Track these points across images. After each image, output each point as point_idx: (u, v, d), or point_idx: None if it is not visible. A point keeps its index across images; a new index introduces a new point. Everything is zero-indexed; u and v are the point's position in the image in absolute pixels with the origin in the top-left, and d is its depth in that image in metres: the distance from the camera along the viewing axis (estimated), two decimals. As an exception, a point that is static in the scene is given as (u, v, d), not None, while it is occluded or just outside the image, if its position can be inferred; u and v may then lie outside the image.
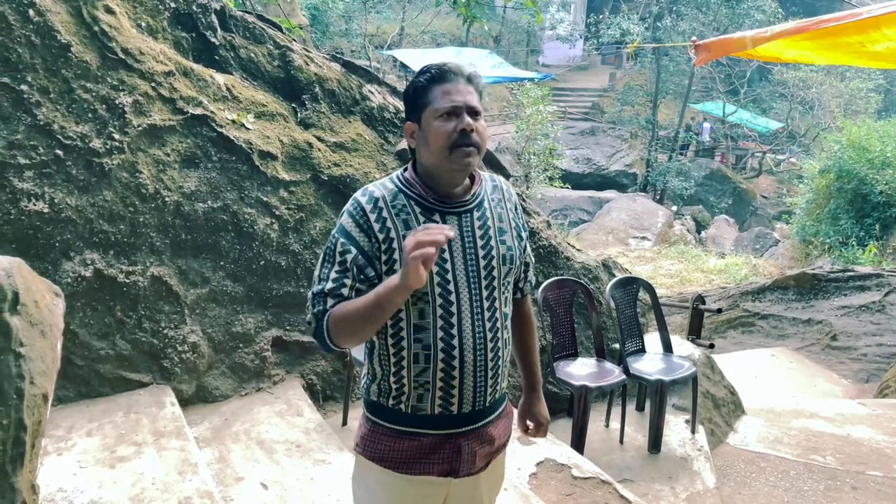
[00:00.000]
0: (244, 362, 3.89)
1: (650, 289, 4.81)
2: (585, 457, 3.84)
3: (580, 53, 32.92)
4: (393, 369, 1.84)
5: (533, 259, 2.12)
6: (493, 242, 1.85)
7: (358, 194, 1.82)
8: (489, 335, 1.83)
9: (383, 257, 1.75)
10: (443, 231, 1.55)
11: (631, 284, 4.77)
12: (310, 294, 1.80)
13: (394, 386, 1.84)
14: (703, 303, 5.82)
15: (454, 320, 1.78)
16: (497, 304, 1.86)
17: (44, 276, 2.92)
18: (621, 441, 4.35)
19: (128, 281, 3.54)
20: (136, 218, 3.59)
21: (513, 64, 23.38)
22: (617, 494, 3.44)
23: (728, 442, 4.64)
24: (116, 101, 3.58)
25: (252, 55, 4.33)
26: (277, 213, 4.01)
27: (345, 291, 1.75)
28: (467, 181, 1.87)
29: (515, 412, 2.18)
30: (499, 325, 1.86)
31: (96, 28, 3.58)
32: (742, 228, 21.27)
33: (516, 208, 2.00)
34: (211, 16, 4.19)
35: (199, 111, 3.83)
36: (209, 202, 3.79)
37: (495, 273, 1.85)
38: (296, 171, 4.14)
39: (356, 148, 4.43)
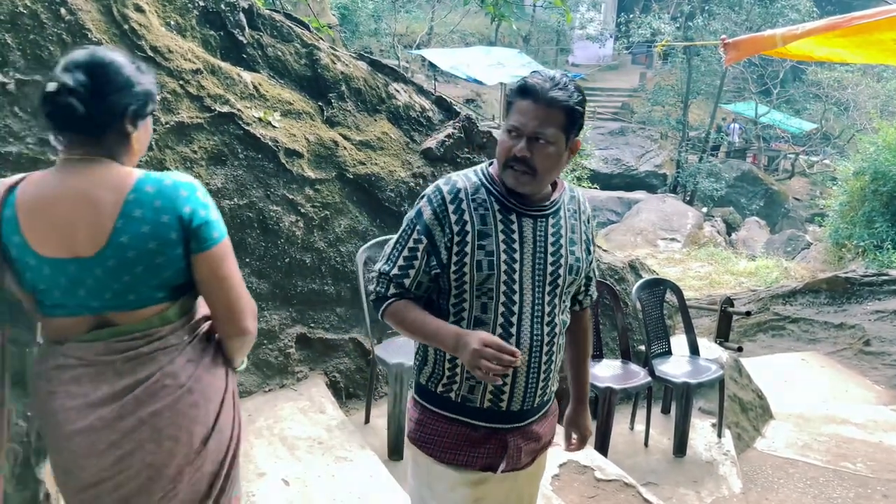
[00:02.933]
0: (268, 359, 3.91)
1: (677, 290, 4.76)
2: (609, 459, 3.81)
3: (610, 53, 32.67)
4: (449, 356, 1.86)
5: (597, 274, 2.13)
6: (563, 251, 1.88)
7: (441, 182, 1.87)
8: (546, 339, 1.86)
9: (455, 248, 1.80)
10: (514, 361, 1.65)
11: (658, 286, 4.72)
12: (378, 266, 1.91)
13: (447, 373, 1.87)
14: (732, 305, 5.74)
15: (514, 319, 1.82)
16: (557, 310, 1.89)
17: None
18: (646, 444, 4.30)
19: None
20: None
21: (542, 63, 23.32)
22: (641, 498, 3.40)
23: (755, 447, 4.57)
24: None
25: (279, 53, 4.35)
26: (303, 210, 4.02)
27: (407, 282, 1.85)
28: (549, 187, 1.90)
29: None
30: (556, 330, 1.89)
31: (126, 26, 3.62)
32: (773, 231, 20.96)
33: (589, 221, 2.02)
34: (239, 14, 4.21)
35: (226, 109, 3.86)
36: (235, 199, 3.82)
37: (560, 281, 1.88)
38: (321, 170, 4.15)
39: (382, 147, 4.44)
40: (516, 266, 1.81)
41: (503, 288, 1.80)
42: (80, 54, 1.66)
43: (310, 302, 4.08)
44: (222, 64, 4.03)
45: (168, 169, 3.63)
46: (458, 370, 1.85)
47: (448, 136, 4.61)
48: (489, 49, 22.50)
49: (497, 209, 1.82)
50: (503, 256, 1.80)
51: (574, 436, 2.19)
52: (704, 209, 22.23)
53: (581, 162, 17.20)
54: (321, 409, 3.77)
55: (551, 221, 1.87)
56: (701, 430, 4.42)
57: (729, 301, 5.75)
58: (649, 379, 4.19)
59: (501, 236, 1.81)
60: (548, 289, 1.85)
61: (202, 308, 1.79)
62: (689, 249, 16.48)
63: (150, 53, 3.66)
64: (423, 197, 1.86)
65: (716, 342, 5.39)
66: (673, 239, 17.36)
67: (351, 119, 4.41)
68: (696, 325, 4.82)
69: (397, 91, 4.69)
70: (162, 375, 1.64)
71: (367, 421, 4.04)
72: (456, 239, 1.79)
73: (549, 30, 31.82)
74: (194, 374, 1.68)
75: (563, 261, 1.87)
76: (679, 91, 26.77)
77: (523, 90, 1.75)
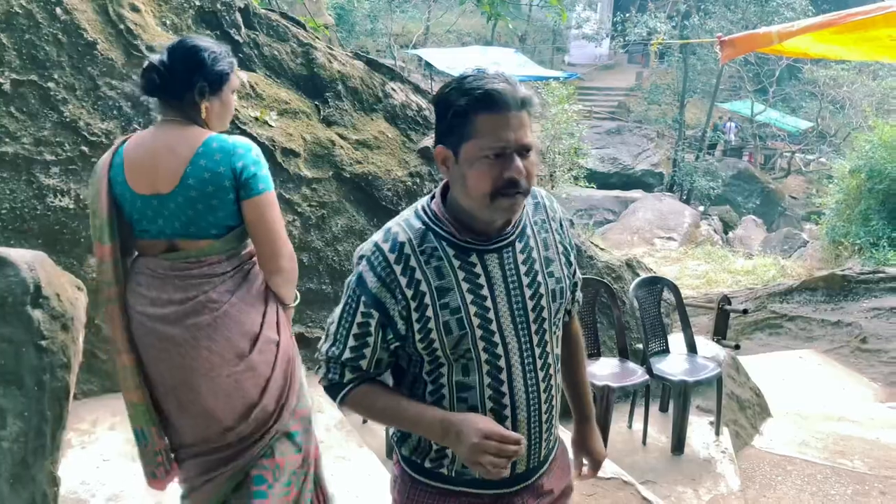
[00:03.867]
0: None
1: (674, 288, 4.76)
2: (607, 457, 3.80)
3: (606, 52, 32.71)
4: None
5: (581, 277, 1.85)
6: (540, 277, 1.60)
7: (378, 238, 1.55)
8: (542, 385, 1.61)
9: (414, 315, 1.51)
10: (519, 451, 1.43)
11: (655, 284, 4.72)
12: (323, 349, 1.60)
13: (434, 447, 1.61)
14: (729, 303, 5.75)
15: (503, 375, 1.55)
16: (549, 347, 1.63)
17: (69, 271, 2.96)
18: (644, 442, 4.31)
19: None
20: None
21: (538, 63, 23.28)
22: (639, 496, 3.40)
23: (753, 444, 4.57)
24: (141, 98, 3.60)
25: (275, 53, 4.35)
26: (300, 209, 4.02)
27: (364, 364, 1.56)
28: None
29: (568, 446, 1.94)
30: (551, 371, 1.65)
31: (122, 26, 3.62)
32: (770, 229, 20.98)
33: (562, 226, 1.72)
34: (235, 14, 4.21)
35: (222, 108, 3.85)
36: (232, 199, 3.81)
37: (545, 314, 1.60)
38: (318, 169, 4.15)
39: (378, 146, 4.44)
40: (491, 315, 1.53)
41: (482, 345, 1.53)
42: (173, 41, 2.13)
43: (307, 301, 4.07)
44: (218, 63, 4.03)
45: (165, 169, 3.63)
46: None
47: (445, 134, 4.61)
48: (485, 49, 22.50)
49: (452, 255, 1.51)
50: (473, 309, 1.51)
51: (585, 461, 1.95)
52: (701, 208, 22.26)
53: (578, 161, 17.19)
54: (319, 408, 3.75)
55: (518, 247, 1.58)
56: (699, 428, 4.42)
57: (726, 299, 5.76)
58: (647, 377, 4.19)
59: (465, 286, 1.51)
60: (534, 328, 1.58)
61: (249, 251, 2.15)
62: (686, 248, 16.50)
63: (147, 52, 3.66)
64: (361, 258, 1.54)
65: (713, 340, 5.39)
66: (670, 238, 17.38)
67: (347, 118, 4.41)
68: (693, 324, 4.82)
69: (394, 90, 4.69)
70: (205, 298, 2.02)
71: (364, 421, 4.03)
72: (412, 305, 1.50)
73: (545, 29, 31.82)
74: (230, 300, 2.04)
75: (542, 289, 1.59)
76: (675, 90, 26.80)
77: (490, 101, 1.41)
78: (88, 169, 3.45)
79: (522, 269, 1.57)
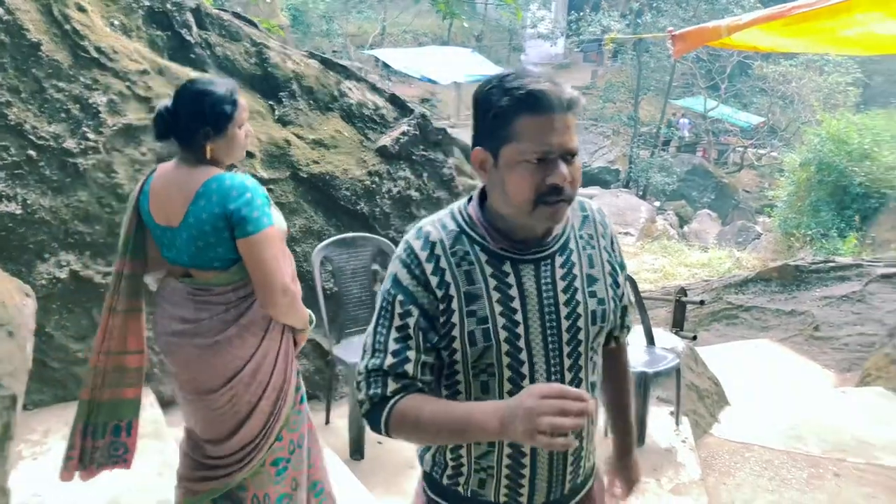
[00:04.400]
0: (225, 362, 3.85)
1: (632, 282, 4.80)
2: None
3: (562, 51, 32.97)
4: (450, 445, 1.51)
5: (633, 300, 1.75)
6: (580, 296, 1.47)
7: (411, 237, 1.47)
8: None
9: (441, 318, 1.41)
10: (585, 406, 1.21)
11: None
12: (362, 365, 1.45)
13: (450, 462, 1.52)
14: (686, 295, 5.83)
15: None
16: (583, 373, 1.49)
17: (18, 277, 2.88)
18: (606, 434, 4.34)
19: (105, 282, 3.49)
20: (112, 218, 3.54)
21: (495, 62, 23.39)
22: (601, 484, 3.43)
23: (712, 433, 4.65)
24: (90, 101, 3.53)
25: (228, 53, 4.29)
26: (256, 211, 3.97)
27: (409, 368, 1.41)
28: None
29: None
30: None
31: (67, 26, 3.54)
32: (725, 222, 21.37)
33: (612, 244, 1.60)
34: (186, 14, 4.15)
35: (174, 110, 3.79)
36: (186, 201, 3.75)
37: (581, 336, 1.47)
38: (274, 169, 4.11)
39: (335, 145, 4.41)
40: (520, 330, 1.41)
41: (506, 361, 1.41)
42: (182, 87, 2.25)
43: (266, 303, 4.03)
44: (170, 64, 3.97)
45: (116, 172, 3.56)
46: (463, 459, 1.50)
47: (403, 133, 4.60)
48: (442, 48, 22.56)
49: (485, 261, 1.42)
50: (501, 321, 1.41)
51: (618, 482, 1.83)
52: (657, 203, 22.58)
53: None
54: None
55: (559, 261, 1.46)
56: (659, 419, 4.48)
57: (683, 291, 5.84)
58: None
59: (496, 295, 1.41)
60: (567, 350, 1.45)
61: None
62: (643, 243, 16.72)
63: (94, 54, 3.59)
64: (395, 260, 1.47)
65: (671, 332, 5.46)
66: (627, 233, 17.59)
67: (303, 118, 4.38)
68: (651, 316, 4.87)
69: (350, 89, 4.67)
70: (209, 323, 2.20)
71: (327, 422, 4.01)
72: (441, 306, 1.41)
73: (501, 29, 31.97)
74: (230, 329, 2.20)
75: (581, 309, 1.47)
76: (630, 87, 27.15)
77: (534, 102, 1.31)
78: (35, 173, 3.37)
79: (561, 284, 1.46)
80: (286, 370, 2.33)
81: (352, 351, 3.76)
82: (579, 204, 1.55)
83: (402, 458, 3.60)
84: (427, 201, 4.65)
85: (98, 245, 3.51)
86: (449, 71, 18.50)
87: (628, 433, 1.82)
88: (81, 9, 3.63)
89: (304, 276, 4.13)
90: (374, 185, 4.43)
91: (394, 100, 4.95)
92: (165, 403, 3.60)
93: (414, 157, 4.65)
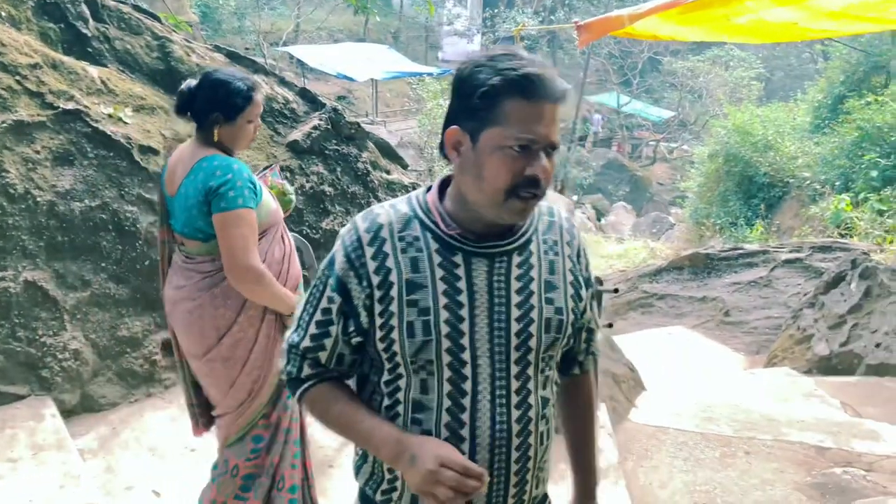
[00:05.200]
0: (132, 367, 3.70)
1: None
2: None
3: (478, 48, 33.16)
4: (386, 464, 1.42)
5: (600, 324, 1.61)
6: (534, 300, 1.36)
7: (359, 217, 1.38)
8: (515, 427, 1.36)
9: (377, 307, 1.32)
10: (479, 488, 1.23)
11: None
12: (286, 335, 1.45)
13: (387, 477, 1.41)
14: (602, 284, 5.93)
15: (466, 401, 1.33)
16: (532, 384, 1.38)
17: None
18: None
19: (-2, 287, 3.30)
20: (4, 220, 3.34)
21: (412, 59, 23.39)
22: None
23: (630, 418, 4.74)
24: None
25: (128, 46, 4.12)
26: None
27: (323, 357, 1.38)
28: None
29: None
30: (532, 414, 1.38)
31: (-51, 17, 3.33)
32: (640, 214, 22.01)
33: (580, 256, 1.48)
34: (81, 5, 3.97)
35: (71, 105, 3.61)
36: (86, 201, 3.58)
37: (532, 343, 1.36)
38: (180, 166, 3.97)
39: (245, 141, 4.29)
40: (464, 327, 1.32)
41: (447, 359, 1.31)
42: (206, 72, 2.45)
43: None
44: (65, 58, 3.78)
45: (7, 171, 3.37)
46: (397, 472, 1.38)
47: (314, 127, 4.52)
48: (358, 45, 22.40)
49: (435, 249, 1.33)
50: (444, 315, 1.31)
51: None
52: (575, 197, 23.02)
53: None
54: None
55: (516, 260, 1.36)
56: (578, 406, 4.54)
57: (599, 280, 5.93)
58: None
59: (441, 286, 1.31)
60: (514, 356, 1.35)
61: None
62: (563, 236, 17.01)
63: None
64: (338, 238, 1.39)
65: (588, 321, 5.55)
66: (547, 227, 17.87)
67: (210, 113, 4.24)
68: (568, 305, 4.95)
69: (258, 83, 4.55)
70: (190, 289, 2.38)
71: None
72: (377, 294, 1.32)
73: (417, 26, 31.98)
74: (205, 296, 2.36)
75: (535, 314, 1.36)
76: (545, 83, 27.56)
77: (529, 86, 1.23)
78: (-83, 174, 3.15)
79: (515, 285, 1.35)
80: (267, 349, 2.43)
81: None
82: (547, 209, 1.46)
83: (322, 456, 3.53)
84: (341, 196, 4.58)
85: (-10, 249, 3.31)
86: (366, 68, 18.38)
87: (591, 472, 1.65)
88: (-36, -1, 3.42)
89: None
90: (285, 180, 4.33)
91: (304, 94, 4.85)
92: (69, 412, 3.43)
93: (327, 152, 4.57)
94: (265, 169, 2.81)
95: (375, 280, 1.31)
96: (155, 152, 3.85)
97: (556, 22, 25.18)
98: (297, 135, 4.48)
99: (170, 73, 4.19)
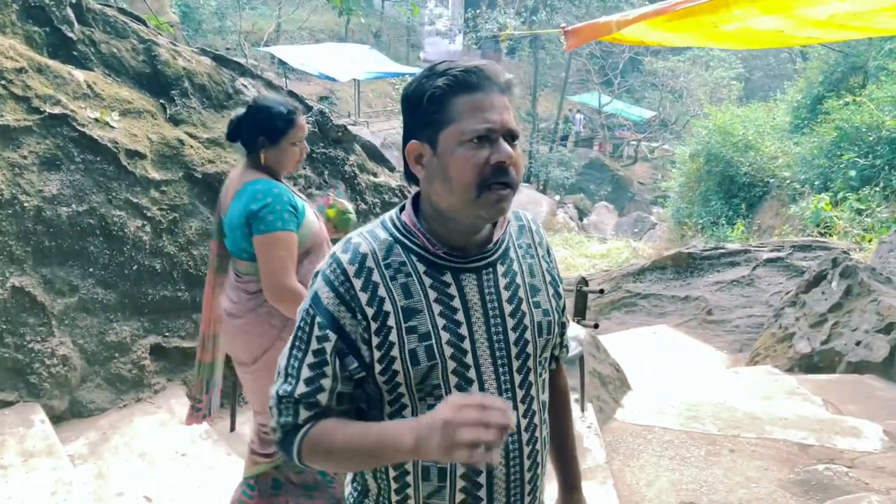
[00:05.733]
0: (121, 372, 3.70)
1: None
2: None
3: (460, 48, 33.22)
4: (394, 486, 1.35)
5: (568, 318, 1.62)
6: (525, 307, 1.37)
7: (338, 249, 1.32)
8: (525, 436, 1.35)
9: (374, 339, 1.27)
10: (506, 421, 1.10)
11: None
12: (274, 391, 1.33)
13: (394, 497, 1.37)
14: (587, 284, 5.98)
15: None
16: (534, 390, 1.39)
17: None
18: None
19: (-15, 293, 3.29)
20: (-9, 226, 3.33)
21: (394, 59, 23.36)
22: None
23: (616, 417, 4.78)
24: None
25: (114, 50, 4.11)
26: (149, 214, 3.82)
27: (323, 399, 1.29)
28: (489, 224, 1.37)
29: None
30: (536, 420, 1.39)
31: (-67, 22, 3.30)
32: (622, 214, 22.11)
33: (549, 253, 1.50)
34: (66, 9, 3.95)
35: (57, 110, 3.60)
36: (73, 206, 3.57)
37: (530, 349, 1.36)
38: (167, 170, 3.96)
39: (231, 144, 4.28)
40: (466, 344, 1.30)
41: (454, 380, 1.29)
42: (253, 99, 2.61)
43: (163, 310, 3.89)
44: (50, 62, 3.77)
45: (-7, 176, 3.35)
46: (410, 499, 1.34)
47: (301, 131, 4.52)
48: (340, 45, 22.32)
49: (423, 271, 1.30)
50: (445, 336, 1.28)
51: None
52: (557, 197, 23.14)
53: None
54: (182, 420, 3.60)
55: (501, 270, 1.36)
56: (565, 407, 4.57)
57: (584, 281, 5.99)
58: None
59: (437, 308, 1.29)
60: (516, 364, 1.34)
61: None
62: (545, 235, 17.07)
63: (-35, 51, 3.36)
64: (316, 275, 1.33)
65: (574, 321, 5.59)
66: (530, 227, 17.92)
67: (196, 116, 4.24)
68: (554, 306, 4.98)
69: (245, 86, 4.55)
70: (238, 307, 2.54)
71: (232, 429, 3.89)
72: (373, 327, 1.27)
73: (399, 26, 31.95)
74: (245, 317, 2.52)
75: (528, 320, 1.36)
76: (527, 84, 27.66)
77: (472, 81, 1.26)
78: None
79: (505, 294, 1.35)
80: None
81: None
82: (514, 214, 1.47)
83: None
84: (329, 200, 4.59)
85: (-24, 255, 3.29)
86: (348, 68, 18.33)
87: (572, 465, 1.65)
88: (-52, 3, 3.40)
89: (203, 281, 3.99)
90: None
91: (291, 96, 4.85)
92: (58, 418, 3.43)
93: (314, 155, 4.58)
94: (329, 188, 2.95)
95: (370, 312, 1.27)
96: (142, 156, 3.84)
97: (538, 22, 25.24)
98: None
99: (156, 76, 4.18)
